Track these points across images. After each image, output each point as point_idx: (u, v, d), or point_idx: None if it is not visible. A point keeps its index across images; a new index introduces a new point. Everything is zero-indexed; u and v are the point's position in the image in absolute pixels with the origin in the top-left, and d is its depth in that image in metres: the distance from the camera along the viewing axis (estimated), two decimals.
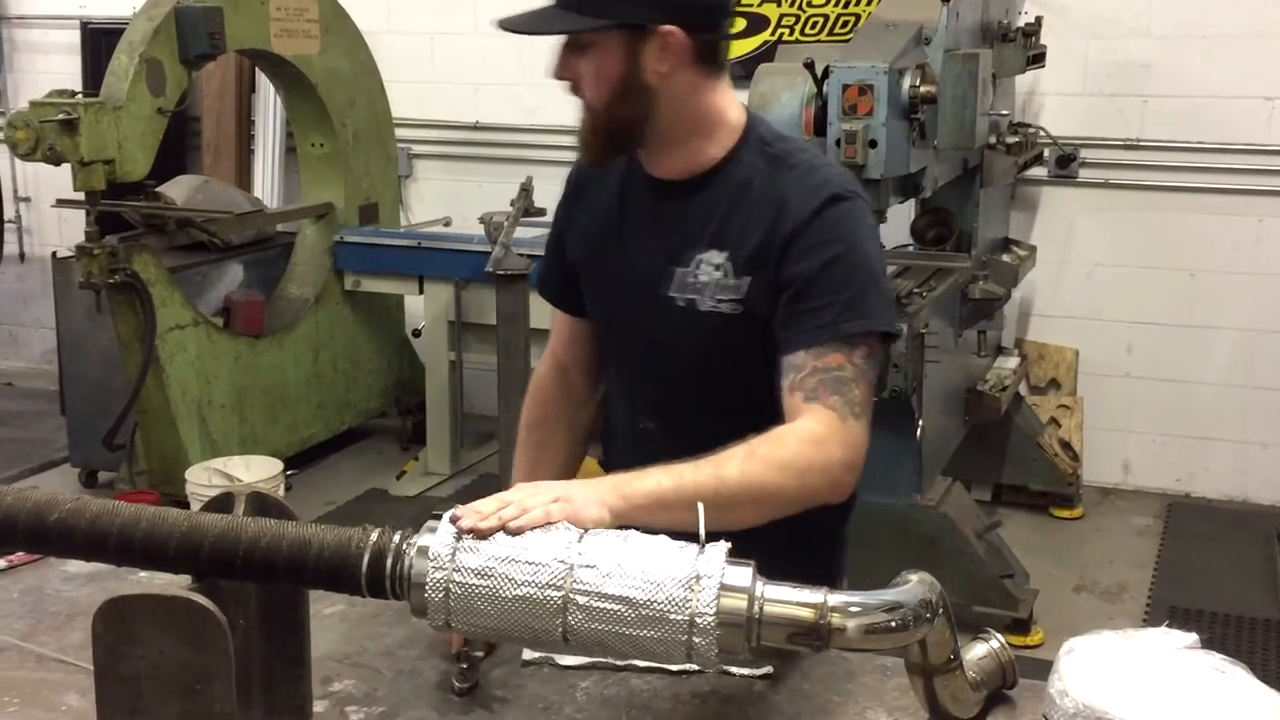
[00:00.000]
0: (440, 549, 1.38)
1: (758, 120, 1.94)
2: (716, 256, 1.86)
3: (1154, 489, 5.52)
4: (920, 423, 3.91)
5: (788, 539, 1.68)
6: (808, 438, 1.72)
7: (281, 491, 4.35)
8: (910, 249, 4.71)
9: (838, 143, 3.54)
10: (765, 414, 1.77)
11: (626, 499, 1.56)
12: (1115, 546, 5.01)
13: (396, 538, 1.42)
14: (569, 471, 2.10)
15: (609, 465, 2.08)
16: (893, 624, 1.39)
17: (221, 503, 1.57)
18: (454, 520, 1.43)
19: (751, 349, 1.86)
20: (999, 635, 1.68)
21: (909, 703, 1.66)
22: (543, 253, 2.21)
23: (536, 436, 2.13)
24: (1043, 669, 1.69)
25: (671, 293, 1.89)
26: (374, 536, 1.42)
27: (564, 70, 1.83)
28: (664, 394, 1.99)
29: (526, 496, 1.48)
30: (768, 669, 1.75)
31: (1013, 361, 5.23)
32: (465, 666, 1.72)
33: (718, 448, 1.66)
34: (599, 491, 1.55)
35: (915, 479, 4.02)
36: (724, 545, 1.39)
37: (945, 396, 4.39)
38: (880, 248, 1.92)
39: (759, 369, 1.84)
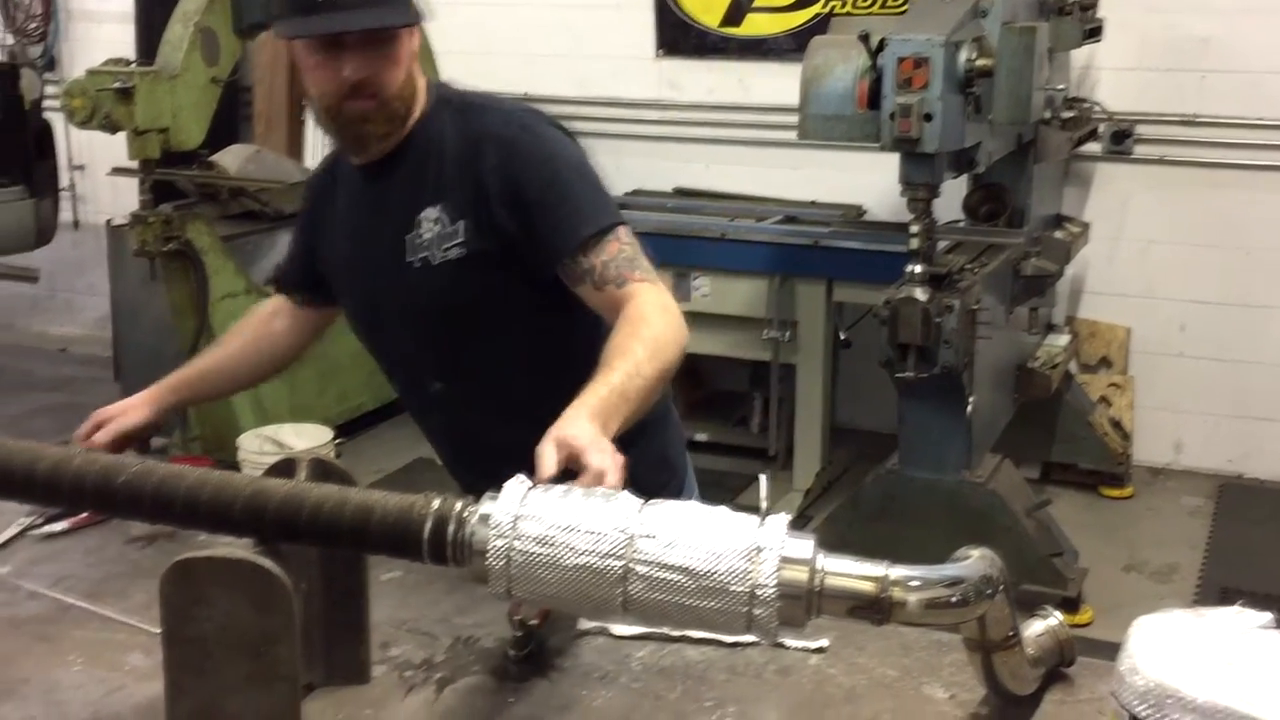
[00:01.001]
0: (502, 516, 1.38)
1: (439, 83, 2.10)
2: (433, 211, 1.99)
3: (1206, 469, 5.46)
4: (970, 399, 3.89)
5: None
6: (657, 306, 1.87)
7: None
8: (962, 224, 4.68)
9: (892, 116, 3.52)
10: (530, 343, 2.03)
11: (608, 429, 1.63)
12: (1166, 527, 4.97)
13: (459, 505, 1.43)
14: (221, 373, 2.32)
15: (414, 421, 2.25)
16: (954, 599, 1.38)
17: (283, 468, 1.59)
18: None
19: (491, 286, 2.00)
20: (1057, 613, 1.67)
21: (965, 678, 1.66)
22: None
23: (238, 343, 2.34)
24: (1092, 648, 1.69)
25: (408, 258, 2.00)
26: (436, 503, 1.43)
27: (365, 68, 1.90)
28: (438, 355, 2.09)
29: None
30: (823, 642, 1.75)
31: (1064, 339, 5.18)
32: (521, 635, 1.73)
33: (501, 385, 1.86)
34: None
35: (965, 456, 3.99)
36: (785, 517, 1.39)
37: (995, 373, 4.37)
38: (581, 151, 2.05)
39: (507, 303, 2.02)
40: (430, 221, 1.99)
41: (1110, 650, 1.72)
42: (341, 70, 1.89)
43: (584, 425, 1.59)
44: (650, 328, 1.83)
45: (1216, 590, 4.31)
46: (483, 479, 1.47)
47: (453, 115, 2.02)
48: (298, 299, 2.30)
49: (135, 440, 2.18)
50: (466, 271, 1.98)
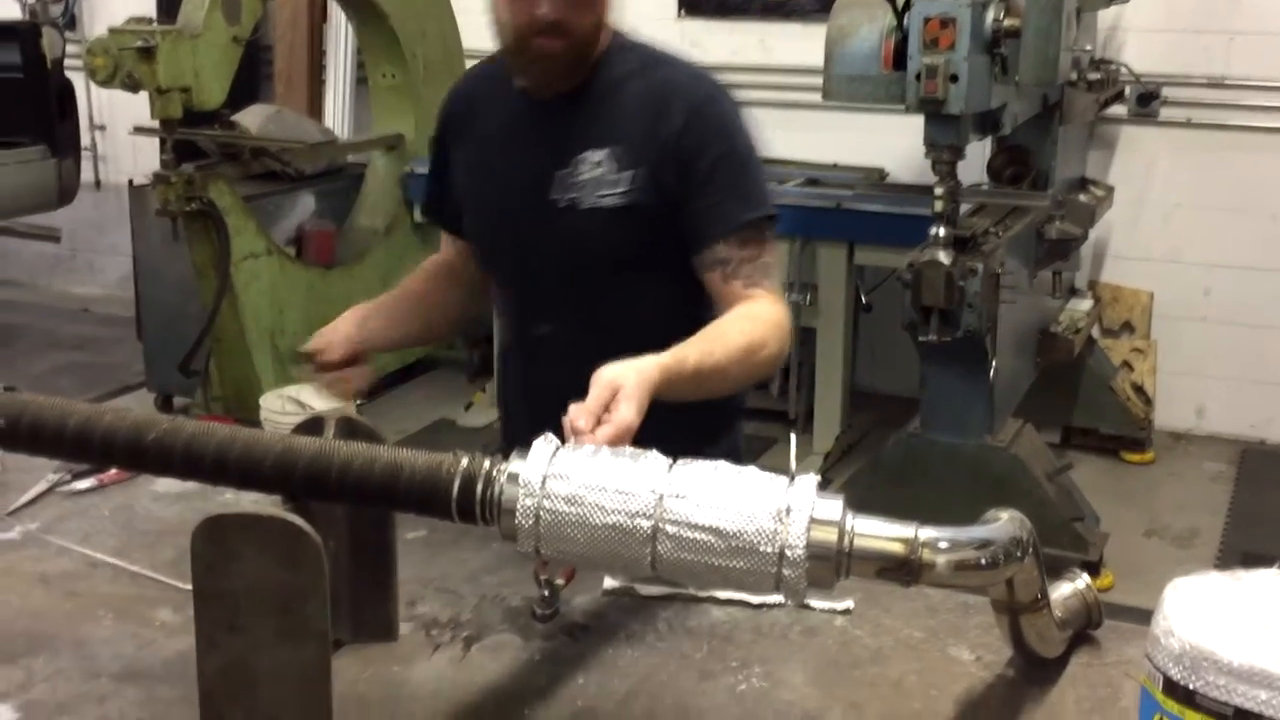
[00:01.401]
0: (531, 475, 1.38)
1: (616, 30, 2.03)
2: (596, 154, 1.96)
3: (1228, 435, 5.44)
4: (993, 363, 3.88)
5: (698, 422, 1.82)
6: (772, 318, 1.89)
7: None
8: (985, 187, 4.65)
9: (918, 77, 3.49)
10: (645, 302, 2.00)
11: (658, 390, 1.60)
12: (1187, 492, 4.96)
13: (487, 463, 1.43)
14: (411, 322, 2.22)
15: (508, 376, 2.26)
16: (983, 561, 1.37)
17: (311, 426, 1.59)
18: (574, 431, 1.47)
19: (635, 241, 1.98)
20: (1085, 575, 1.67)
21: (992, 640, 1.66)
22: None
23: (419, 283, 2.23)
24: (1112, 612, 1.69)
25: (553, 195, 1.97)
26: (465, 462, 1.43)
27: (561, 8, 1.89)
28: (555, 297, 2.06)
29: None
30: (849, 603, 1.75)
31: (1086, 303, 5.16)
32: (547, 594, 1.73)
33: (610, 343, 1.73)
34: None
35: (987, 419, 3.99)
36: (814, 477, 1.39)
37: (1018, 337, 4.35)
38: (753, 133, 2.04)
39: (640, 259, 1.99)
40: (592, 164, 1.95)
41: (1130, 614, 1.73)
42: (538, 6, 1.87)
43: (636, 376, 1.58)
44: (754, 331, 1.84)
45: (1238, 555, 4.29)
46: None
47: (637, 63, 2.00)
48: (452, 229, 2.21)
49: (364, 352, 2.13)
50: (617, 221, 1.96)
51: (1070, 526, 4.00)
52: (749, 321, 1.86)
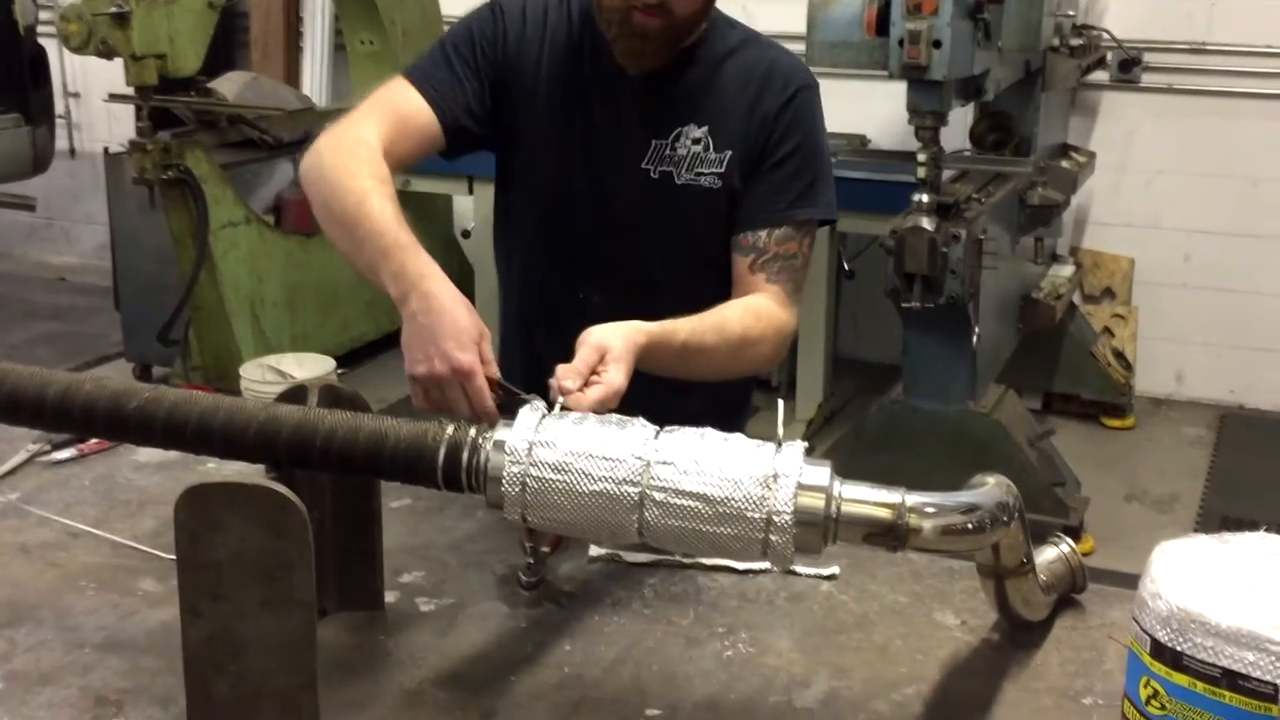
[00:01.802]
0: (517, 443, 1.38)
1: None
2: (695, 131, 1.91)
3: (1207, 400, 5.47)
4: (976, 329, 3.88)
5: (711, 405, 1.77)
6: (777, 322, 1.89)
7: None
8: (968, 153, 4.64)
9: (900, 43, 3.48)
10: (707, 283, 1.92)
11: (641, 360, 1.59)
12: (1167, 457, 4.99)
13: (472, 431, 1.42)
14: None
15: (533, 329, 2.07)
16: (969, 526, 1.37)
17: (294, 394, 1.57)
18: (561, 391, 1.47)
19: (718, 221, 1.94)
20: (1069, 540, 1.67)
21: (976, 604, 1.66)
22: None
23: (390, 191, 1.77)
24: (1092, 576, 1.69)
25: (645, 164, 1.92)
26: (450, 430, 1.42)
27: None
28: (618, 266, 1.98)
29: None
30: (834, 569, 1.75)
31: (1068, 270, 5.17)
32: (532, 561, 1.73)
33: (661, 316, 1.70)
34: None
35: (970, 386, 3.99)
36: (801, 444, 1.38)
37: (1000, 303, 4.35)
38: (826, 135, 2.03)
39: (716, 241, 1.95)
40: (690, 140, 1.91)
41: (1111, 578, 1.74)
42: None
43: (623, 339, 1.57)
44: (754, 327, 1.83)
45: (1217, 519, 4.33)
46: None
47: (737, 40, 1.96)
48: (448, 130, 1.90)
49: None
50: (709, 200, 1.92)
51: (1051, 491, 4.01)
52: (752, 316, 1.85)
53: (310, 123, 5.65)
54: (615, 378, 1.53)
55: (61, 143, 6.92)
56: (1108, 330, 5.40)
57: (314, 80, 6.34)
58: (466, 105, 1.91)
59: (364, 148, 1.77)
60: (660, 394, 1.57)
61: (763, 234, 1.91)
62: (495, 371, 1.56)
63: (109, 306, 5.93)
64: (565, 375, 1.51)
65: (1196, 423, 5.31)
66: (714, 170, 1.92)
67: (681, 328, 1.71)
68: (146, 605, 1.66)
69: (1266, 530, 1.12)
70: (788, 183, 1.93)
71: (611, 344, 1.56)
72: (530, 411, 1.42)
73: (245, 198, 5.13)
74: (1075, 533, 4.05)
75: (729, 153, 1.91)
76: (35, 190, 6.58)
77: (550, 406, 1.45)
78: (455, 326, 1.55)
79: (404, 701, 1.46)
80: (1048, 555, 1.64)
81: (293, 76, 6.38)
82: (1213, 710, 1.06)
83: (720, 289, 1.93)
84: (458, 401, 1.53)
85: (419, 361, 1.55)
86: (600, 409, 1.47)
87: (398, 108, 1.87)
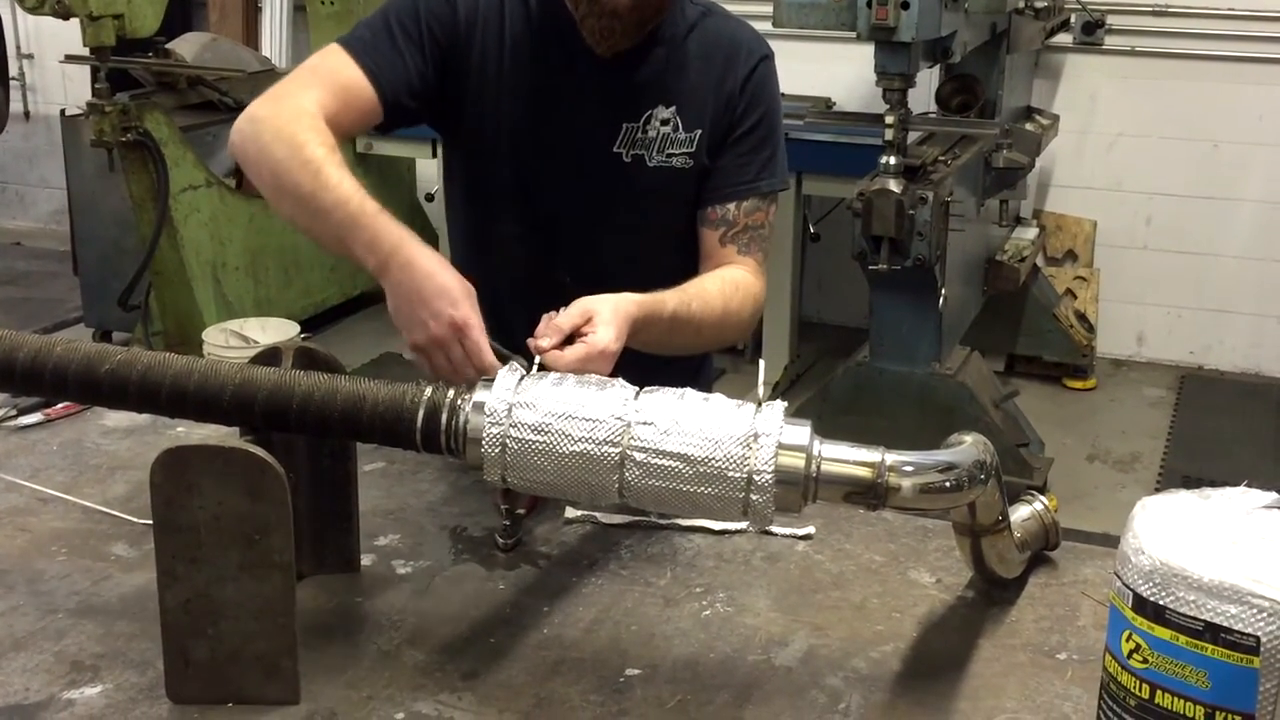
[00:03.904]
0: (497, 404, 1.37)
1: None
2: (664, 112, 1.90)
3: (1168, 361, 5.53)
4: (943, 292, 3.90)
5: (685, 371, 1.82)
6: (753, 293, 1.90)
7: None
8: (933, 115, 4.64)
9: (869, 4, 3.47)
10: (677, 260, 1.93)
11: (632, 331, 1.60)
12: (1128, 417, 5.04)
13: (451, 393, 1.41)
14: None
15: (501, 313, 1.83)
16: (947, 484, 1.38)
17: (268, 357, 1.56)
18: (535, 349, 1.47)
19: (689, 200, 1.94)
20: (1043, 497, 1.69)
21: (951, 563, 1.68)
22: None
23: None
24: (1065, 535, 1.71)
25: (617, 148, 1.90)
26: (428, 392, 1.42)
27: None
28: (591, 249, 1.96)
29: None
30: (810, 529, 1.76)
31: (1031, 232, 5.19)
32: (508, 523, 1.72)
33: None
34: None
35: (936, 348, 4.01)
36: (781, 404, 1.39)
37: (966, 266, 4.37)
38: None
39: (687, 218, 1.95)
40: (660, 122, 1.89)
41: (1075, 537, 1.76)
42: None
43: (613, 305, 1.58)
44: (733, 296, 1.84)
45: (1177, 478, 4.38)
46: None
47: (695, 14, 1.94)
48: (387, 105, 1.83)
49: None
50: (680, 181, 1.92)
51: (1015, 452, 4.05)
52: (730, 286, 1.85)
53: (270, 85, 5.59)
54: (604, 337, 1.52)
55: (16, 105, 6.80)
56: (1070, 292, 5.44)
57: (274, 41, 6.25)
58: (408, 82, 1.84)
59: (307, 116, 1.72)
60: (628, 367, 1.56)
61: (731, 206, 1.92)
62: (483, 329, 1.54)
63: (67, 271, 5.86)
64: (543, 333, 1.50)
65: (1157, 383, 5.36)
66: (685, 150, 1.91)
67: (669, 299, 1.71)
68: (120, 570, 1.65)
69: (1247, 485, 1.13)
70: (753, 154, 1.93)
71: (599, 308, 1.55)
72: (509, 373, 1.42)
73: (205, 161, 5.07)
74: (1040, 492, 4.08)
75: (698, 131, 1.91)
76: None
77: (530, 366, 1.45)
78: (441, 286, 1.54)
79: (382, 663, 1.46)
80: (1021, 513, 1.65)
81: (252, 37, 6.29)
82: (1195, 663, 1.07)
83: (688, 264, 1.93)
84: (461, 362, 1.52)
85: (415, 328, 1.55)
86: (582, 369, 1.46)
87: (337, 77, 1.80)
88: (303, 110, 1.73)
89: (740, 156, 1.93)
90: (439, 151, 2.07)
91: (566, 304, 1.60)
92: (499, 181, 1.96)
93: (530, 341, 1.50)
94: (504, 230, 1.99)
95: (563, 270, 1.94)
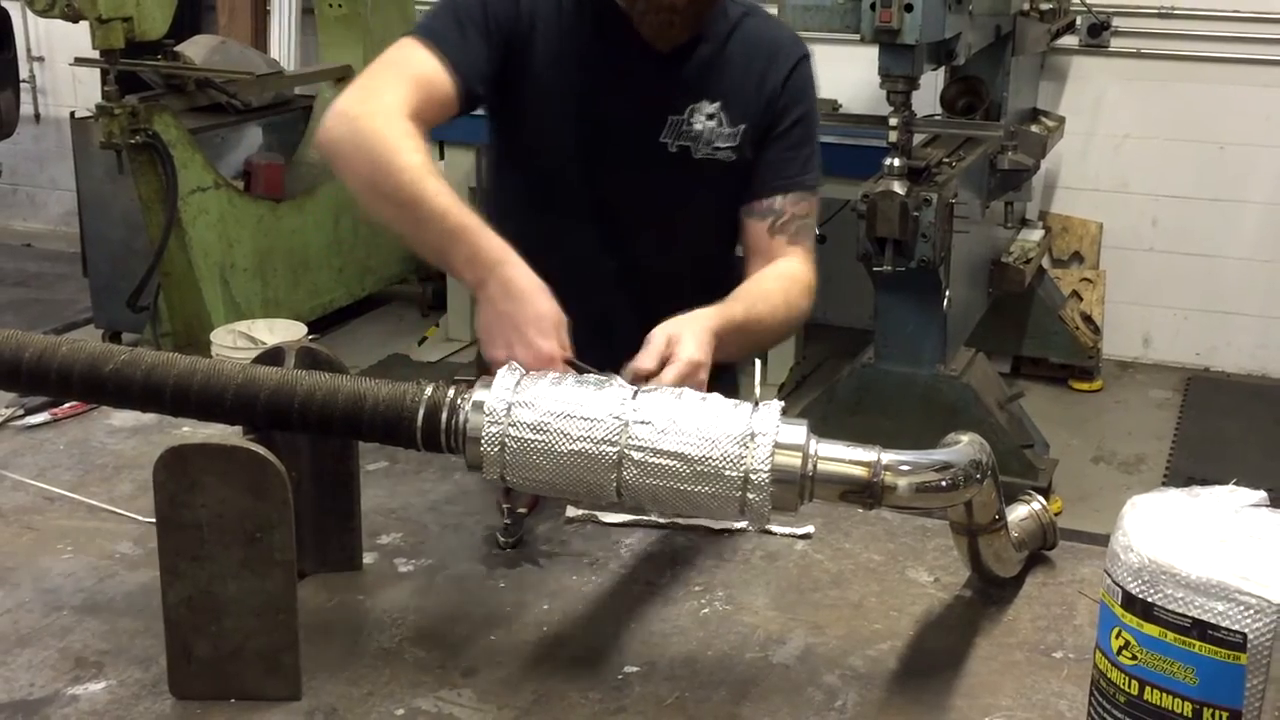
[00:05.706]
0: (496, 403, 1.38)
1: None
2: (710, 106, 1.94)
3: (1173, 363, 5.53)
4: (947, 293, 3.90)
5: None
6: (807, 283, 1.95)
7: None
8: (939, 117, 4.65)
9: (873, 6, 3.48)
10: (716, 251, 2.03)
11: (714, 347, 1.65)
12: (1134, 419, 5.04)
13: (451, 392, 1.43)
14: None
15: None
16: (944, 483, 1.39)
17: (271, 356, 1.57)
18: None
19: (731, 193, 1.98)
20: (1040, 497, 1.70)
21: (949, 562, 1.69)
22: None
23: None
24: (1063, 535, 1.72)
25: (664, 138, 1.94)
26: (429, 391, 1.43)
27: None
28: (637, 237, 2.00)
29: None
30: (809, 529, 1.77)
31: (1037, 234, 5.20)
32: (509, 522, 1.74)
33: (671, 289, 1.78)
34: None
35: (940, 349, 4.02)
36: (777, 404, 1.40)
37: (971, 267, 4.38)
38: None
39: (729, 210, 1.99)
40: (705, 116, 1.94)
41: (1079, 538, 1.77)
42: None
43: (689, 324, 1.63)
44: (791, 289, 1.89)
45: (1183, 480, 4.37)
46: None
47: (737, 13, 1.98)
48: (463, 95, 1.84)
49: None
50: (726, 174, 1.96)
51: (1020, 453, 4.05)
52: (787, 280, 1.90)
53: (279, 86, 5.61)
54: (690, 350, 1.57)
55: (26, 108, 6.83)
56: (1076, 294, 5.44)
57: (282, 44, 6.28)
58: (480, 71, 1.87)
59: (398, 118, 1.72)
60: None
61: (778, 198, 1.96)
62: (570, 355, 1.58)
63: (76, 273, 5.88)
64: (642, 359, 1.56)
65: (1163, 385, 5.36)
66: (729, 144, 1.95)
67: (736, 306, 1.76)
68: (124, 568, 1.66)
69: (1235, 484, 1.14)
70: (795, 151, 1.98)
71: (678, 330, 1.60)
72: (509, 372, 1.43)
73: (214, 163, 5.09)
74: (1044, 494, 4.04)
75: (742, 126, 1.95)
76: (0, 156, 6.51)
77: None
78: (536, 313, 1.59)
79: (383, 660, 1.47)
80: (1019, 512, 1.66)
81: (260, 40, 6.32)
82: (1183, 659, 1.08)
83: (726, 254, 2.01)
84: None
85: (499, 347, 1.58)
86: (682, 384, 1.50)
87: (418, 72, 1.80)
88: (393, 110, 1.74)
89: (784, 152, 1.97)
90: (489, 139, 2.07)
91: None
92: (550, 171, 2.01)
93: (632, 365, 1.55)
94: (552, 221, 2.01)
95: (609, 256, 2.00)
